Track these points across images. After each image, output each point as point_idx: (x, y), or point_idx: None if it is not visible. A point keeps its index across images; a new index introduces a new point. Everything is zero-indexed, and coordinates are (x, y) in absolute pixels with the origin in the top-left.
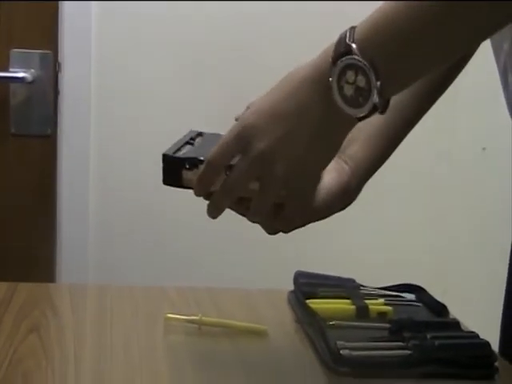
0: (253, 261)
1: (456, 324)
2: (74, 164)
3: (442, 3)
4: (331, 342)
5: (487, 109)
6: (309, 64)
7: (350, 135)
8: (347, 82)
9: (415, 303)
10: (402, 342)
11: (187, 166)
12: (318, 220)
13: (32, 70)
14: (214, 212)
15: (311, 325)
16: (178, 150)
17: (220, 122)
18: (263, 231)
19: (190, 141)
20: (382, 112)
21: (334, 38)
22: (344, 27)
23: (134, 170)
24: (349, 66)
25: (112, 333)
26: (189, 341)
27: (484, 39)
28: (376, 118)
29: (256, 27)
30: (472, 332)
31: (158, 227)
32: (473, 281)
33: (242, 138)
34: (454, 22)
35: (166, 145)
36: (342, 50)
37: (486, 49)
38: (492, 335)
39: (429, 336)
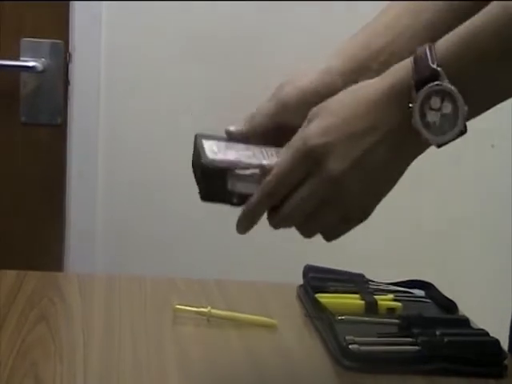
0: (262, 254)
1: (465, 321)
2: (84, 153)
3: None
4: (340, 337)
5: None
6: (380, 82)
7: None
8: (431, 109)
9: (424, 299)
10: (411, 338)
11: (240, 173)
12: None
13: (42, 60)
14: (248, 227)
15: (320, 319)
16: (212, 160)
17: (228, 112)
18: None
19: (208, 147)
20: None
21: (342, 31)
22: (352, 20)
23: (143, 160)
24: (435, 92)
25: (120, 323)
26: (197, 332)
27: None
28: None
29: (265, 18)
30: (481, 329)
31: (168, 218)
32: (483, 278)
33: (313, 160)
34: None
35: (176, 135)
36: (426, 74)
37: None
38: (502, 333)
39: (438, 333)
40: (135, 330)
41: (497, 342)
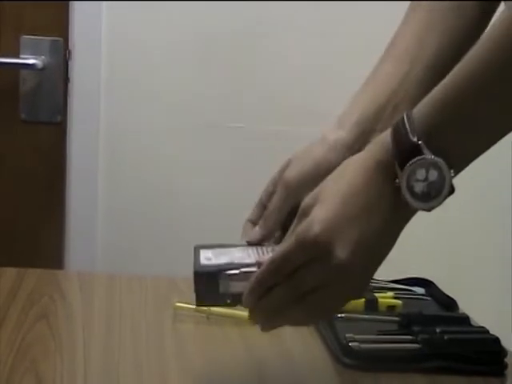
0: None
1: (465, 319)
2: (84, 151)
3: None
4: (340, 335)
5: None
6: (366, 161)
7: None
8: (417, 180)
9: (425, 297)
10: (411, 335)
11: (229, 274)
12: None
13: (42, 57)
14: (270, 323)
15: None
16: (203, 265)
17: (229, 105)
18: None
19: (203, 255)
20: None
21: (347, 27)
22: (357, 14)
23: (144, 158)
24: (419, 166)
25: (120, 321)
26: (197, 330)
27: None
28: None
29: (268, 13)
30: (482, 327)
31: (168, 216)
32: (483, 276)
33: (318, 246)
34: None
35: (177, 132)
36: (407, 148)
37: None
38: (502, 331)
39: (438, 330)
40: (135, 327)
41: (497, 340)
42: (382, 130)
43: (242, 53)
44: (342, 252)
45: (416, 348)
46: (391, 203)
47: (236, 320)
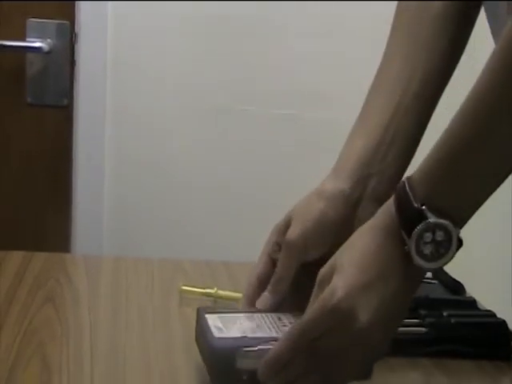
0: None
1: (472, 302)
2: (90, 135)
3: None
4: None
5: None
6: (377, 224)
7: None
8: (425, 243)
9: (431, 281)
10: (418, 319)
11: (247, 351)
12: None
13: (48, 40)
14: (273, 376)
15: None
16: (219, 339)
17: (239, 88)
18: (281, 207)
19: (212, 324)
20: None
21: (358, 11)
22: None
23: (151, 141)
24: (425, 230)
25: (127, 304)
26: None
27: None
28: None
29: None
30: (489, 311)
31: (176, 199)
32: (491, 259)
33: (341, 313)
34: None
35: (185, 116)
36: (412, 216)
37: None
38: (509, 314)
39: (445, 314)
40: (142, 311)
41: (504, 323)
42: (378, 173)
43: (253, 36)
44: (363, 316)
45: (423, 332)
46: (404, 267)
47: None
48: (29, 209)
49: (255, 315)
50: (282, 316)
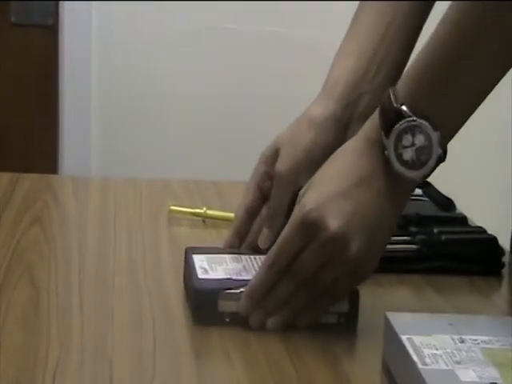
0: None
1: (463, 219)
2: (76, 55)
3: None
4: None
5: None
6: (356, 139)
7: None
8: (404, 147)
9: (422, 198)
10: (409, 236)
11: (228, 293)
12: None
13: None
14: (277, 321)
15: None
16: (201, 280)
17: (222, 6)
18: (270, 125)
19: (198, 264)
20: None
21: None
22: None
23: (138, 61)
24: (404, 131)
25: (115, 224)
26: (193, 233)
27: None
28: None
29: None
30: (479, 227)
31: (163, 118)
32: (482, 175)
33: (310, 224)
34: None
35: (170, 36)
36: (391, 116)
37: None
38: (500, 231)
39: (435, 231)
40: (130, 231)
41: (495, 240)
42: (368, 92)
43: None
44: (334, 223)
45: (414, 249)
46: (384, 174)
47: (232, 223)
48: (15, 130)
49: (243, 257)
50: None
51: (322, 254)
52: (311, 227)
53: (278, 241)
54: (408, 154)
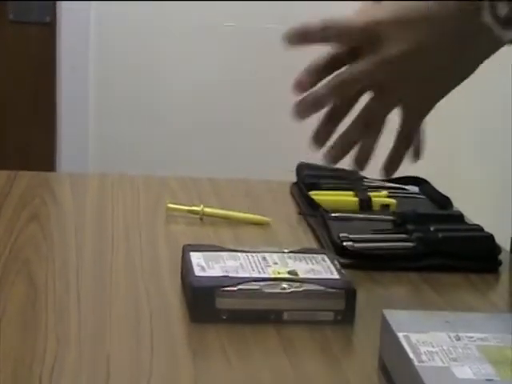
0: (256, 152)
1: (460, 216)
2: (74, 51)
3: None
4: (334, 234)
5: None
6: None
7: None
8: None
9: (419, 196)
10: (406, 234)
11: (226, 290)
12: None
13: None
14: (307, 110)
15: (314, 217)
16: (198, 278)
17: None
18: (266, 121)
19: (195, 261)
20: None
21: None
22: None
23: (136, 51)
24: None
25: (113, 222)
26: (190, 231)
27: None
28: None
29: None
30: (476, 225)
31: (163, 117)
32: (480, 174)
33: (374, 35)
34: None
35: (169, 32)
36: None
37: None
38: (497, 229)
39: (432, 228)
40: (128, 229)
41: (491, 237)
42: None
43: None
44: (392, 47)
45: (410, 246)
46: (469, 23)
47: (229, 221)
48: (13, 127)
49: (240, 254)
50: (267, 256)
51: (376, 73)
52: (373, 39)
53: (342, 26)
54: (503, 9)
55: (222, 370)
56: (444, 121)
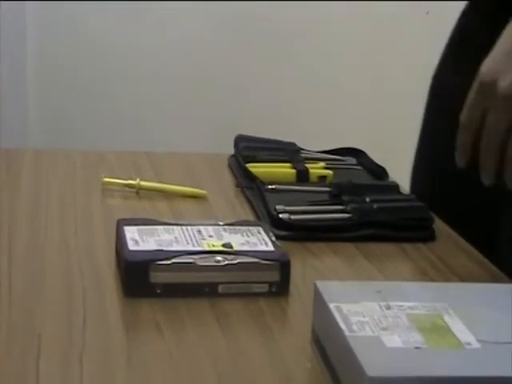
0: (193, 125)
1: (395, 187)
2: (11, 10)
3: None
4: (270, 207)
5: None
6: None
7: None
8: None
9: (355, 167)
10: (341, 205)
11: (160, 264)
12: None
13: None
14: (487, 175)
15: (251, 189)
16: (132, 252)
17: None
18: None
19: (129, 236)
20: None
21: None
22: None
23: (76, 21)
24: None
25: (48, 196)
26: (126, 205)
27: None
28: None
29: None
30: (410, 195)
31: (105, 90)
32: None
33: (486, 86)
34: None
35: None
36: None
37: None
38: None
39: (368, 199)
40: (63, 203)
41: (425, 208)
42: None
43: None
44: (503, 83)
45: (346, 217)
46: None
47: (166, 194)
48: None
49: (175, 227)
50: (202, 229)
51: (503, 114)
52: (487, 90)
53: (464, 107)
54: None
55: (156, 343)
56: (381, 96)
